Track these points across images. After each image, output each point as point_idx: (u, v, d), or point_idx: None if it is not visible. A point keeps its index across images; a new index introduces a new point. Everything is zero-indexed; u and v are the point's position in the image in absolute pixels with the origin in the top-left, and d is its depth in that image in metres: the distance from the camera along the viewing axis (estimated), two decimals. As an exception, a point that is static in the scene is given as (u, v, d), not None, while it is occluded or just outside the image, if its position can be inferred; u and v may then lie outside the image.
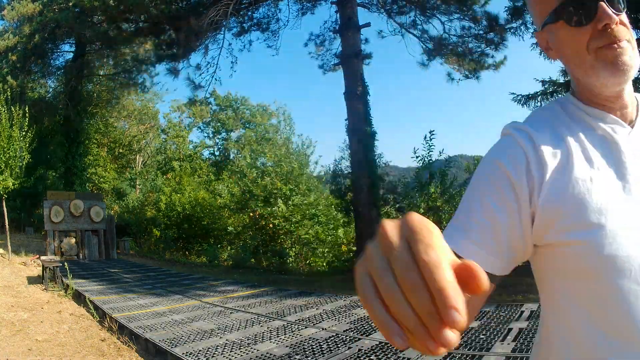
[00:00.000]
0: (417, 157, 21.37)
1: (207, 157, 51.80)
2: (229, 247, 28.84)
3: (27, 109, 19.05)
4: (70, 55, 32.12)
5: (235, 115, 51.53)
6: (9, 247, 19.10)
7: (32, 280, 14.95)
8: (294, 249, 25.28)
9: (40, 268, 16.35)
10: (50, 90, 36.21)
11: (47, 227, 22.96)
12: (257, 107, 52.74)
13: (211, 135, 53.04)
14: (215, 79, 22.99)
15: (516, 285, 13.79)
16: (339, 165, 23.38)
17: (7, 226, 19.56)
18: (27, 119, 18.84)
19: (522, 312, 8.30)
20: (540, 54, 18.15)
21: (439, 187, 21.22)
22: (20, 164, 18.83)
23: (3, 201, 18.70)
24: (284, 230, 25.37)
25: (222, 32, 22.01)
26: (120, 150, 46.93)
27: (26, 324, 9.04)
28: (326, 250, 25.56)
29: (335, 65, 22.48)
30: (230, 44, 23.52)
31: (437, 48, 21.37)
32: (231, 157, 50.25)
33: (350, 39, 20.26)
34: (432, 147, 20.92)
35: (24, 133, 18.79)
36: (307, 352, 6.78)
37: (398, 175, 26.66)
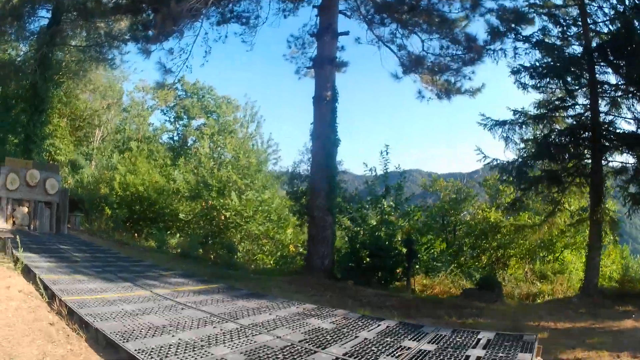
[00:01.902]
0: (369, 169, 21.62)
1: (165, 141, 51.32)
2: (178, 235, 28.61)
3: (-5, 70, 18.69)
4: (45, 22, 31.58)
5: (200, 104, 51.12)
6: (-41, 212, 18.74)
7: (-20, 249, 14.65)
8: (242, 244, 25.21)
9: (-10, 236, 16.08)
10: (22, 54, 35.78)
11: (2, 194, 22.65)
12: (223, 98, 52.40)
13: (172, 120, 52.58)
14: (187, 66, 23.14)
15: (465, 308, 13.96)
16: (297, 168, 23.45)
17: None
18: (-6, 81, 18.47)
19: (479, 339, 8.17)
20: (515, 83, 18.50)
21: (393, 201, 21.39)
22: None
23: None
24: (234, 224, 25.36)
25: (200, 20, 21.90)
26: (80, 123, 46.25)
27: (-28, 299, 8.80)
28: (274, 248, 25.62)
29: (308, 68, 22.50)
30: (206, 33, 23.40)
31: (414, 64, 21.46)
32: (189, 144, 49.88)
33: (326, 44, 20.46)
34: (387, 161, 21.21)
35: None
36: (262, 361, 6.64)
37: (350, 181, 26.81)
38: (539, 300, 18.30)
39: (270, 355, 6.90)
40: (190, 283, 13.71)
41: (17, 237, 14.39)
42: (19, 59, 35.27)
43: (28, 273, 12.02)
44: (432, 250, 23.01)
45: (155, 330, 7.77)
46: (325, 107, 19.97)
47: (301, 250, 24.54)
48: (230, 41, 29.46)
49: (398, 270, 19.74)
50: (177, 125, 52.45)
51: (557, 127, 18.65)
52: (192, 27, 22.43)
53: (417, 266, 20.81)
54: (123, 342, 6.91)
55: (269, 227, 26.09)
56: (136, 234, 29.37)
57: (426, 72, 21.56)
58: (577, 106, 18.39)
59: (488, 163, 19.09)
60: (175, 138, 52.30)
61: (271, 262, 25.15)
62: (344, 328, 8.97)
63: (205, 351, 6.86)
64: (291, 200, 24.32)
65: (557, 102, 18.64)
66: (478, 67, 20.89)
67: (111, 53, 34.55)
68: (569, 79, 17.96)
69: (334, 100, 20.27)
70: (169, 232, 29.07)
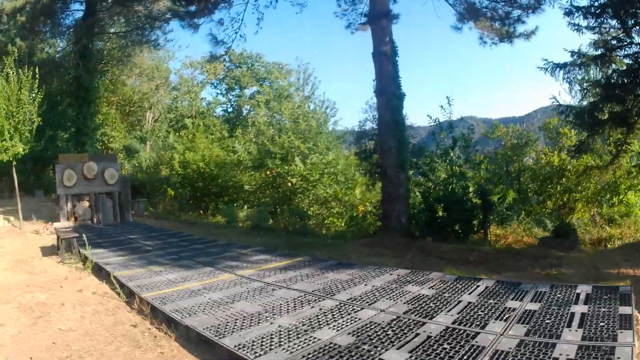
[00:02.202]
0: (434, 121, 21.32)
1: (220, 114, 51.65)
2: (245, 207, 28.28)
3: (36, 70, 18.44)
4: (80, 14, 31.62)
5: (250, 72, 51.05)
6: (20, 214, 18.62)
7: (46, 252, 14.41)
8: (312, 209, 25.16)
9: (54, 235, 15.82)
10: (60, 50, 36.14)
11: (60, 192, 22.33)
12: (273, 64, 52.23)
13: (224, 92, 52.72)
14: (240, 35, 22.90)
15: (544, 257, 13.35)
16: (364, 127, 23.00)
17: (17, 193, 18.98)
18: (36, 80, 18.24)
19: (578, 294, 7.96)
20: (568, 25, 17.70)
21: (462, 152, 20.98)
22: (30, 128, 18.32)
23: (13, 167, 18.17)
24: (301, 189, 25.43)
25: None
26: (131, 108, 46.87)
27: (46, 309, 8.28)
28: (342, 210, 25.46)
29: (362, 24, 21.79)
30: (256, 0, 22.81)
31: (469, 12, 20.58)
32: (244, 114, 50.14)
33: (379, -3, 19.68)
34: (451, 113, 21.55)
35: (33, 95, 18.20)
36: (374, 340, 6.14)
37: (409, 134, 26.43)
38: (610, 246, 17.99)
39: (379, 333, 6.48)
40: (273, 259, 13.20)
41: (83, 234, 13.97)
42: (58, 55, 35.52)
43: (99, 271, 11.60)
44: (506, 200, 22.43)
45: (251, 320, 7.24)
46: (386, 61, 19.31)
47: (370, 209, 24.18)
48: (279, 5, 29.04)
49: (474, 223, 19.13)
50: (230, 97, 52.63)
51: (615, 66, 17.88)
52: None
53: (492, 217, 20.16)
54: (219, 337, 6.42)
55: (337, 189, 25.74)
56: (202, 212, 29.42)
57: (483, 19, 20.63)
58: (633, 45, 17.44)
59: (562, 111, 18.42)
60: (230, 110, 52.44)
61: (342, 224, 24.70)
62: (445, 292, 8.60)
63: (310, 336, 6.38)
64: (360, 159, 23.90)
65: (613, 42, 17.77)
66: (538, 13, 19.97)
67: (154, 34, 34.76)
68: (624, 17, 17.05)
69: (394, 54, 19.59)
70: (235, 204, 28.74)
